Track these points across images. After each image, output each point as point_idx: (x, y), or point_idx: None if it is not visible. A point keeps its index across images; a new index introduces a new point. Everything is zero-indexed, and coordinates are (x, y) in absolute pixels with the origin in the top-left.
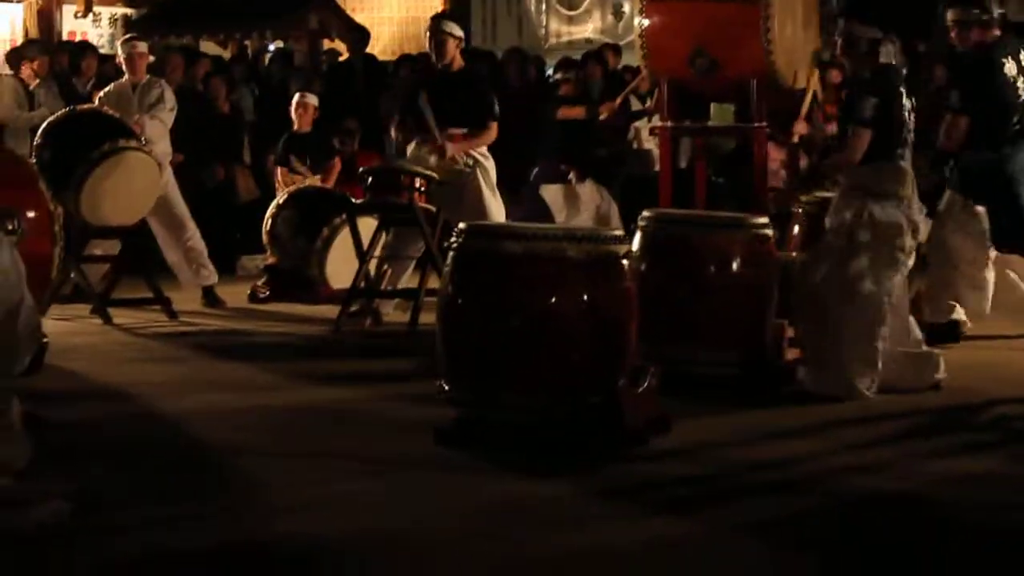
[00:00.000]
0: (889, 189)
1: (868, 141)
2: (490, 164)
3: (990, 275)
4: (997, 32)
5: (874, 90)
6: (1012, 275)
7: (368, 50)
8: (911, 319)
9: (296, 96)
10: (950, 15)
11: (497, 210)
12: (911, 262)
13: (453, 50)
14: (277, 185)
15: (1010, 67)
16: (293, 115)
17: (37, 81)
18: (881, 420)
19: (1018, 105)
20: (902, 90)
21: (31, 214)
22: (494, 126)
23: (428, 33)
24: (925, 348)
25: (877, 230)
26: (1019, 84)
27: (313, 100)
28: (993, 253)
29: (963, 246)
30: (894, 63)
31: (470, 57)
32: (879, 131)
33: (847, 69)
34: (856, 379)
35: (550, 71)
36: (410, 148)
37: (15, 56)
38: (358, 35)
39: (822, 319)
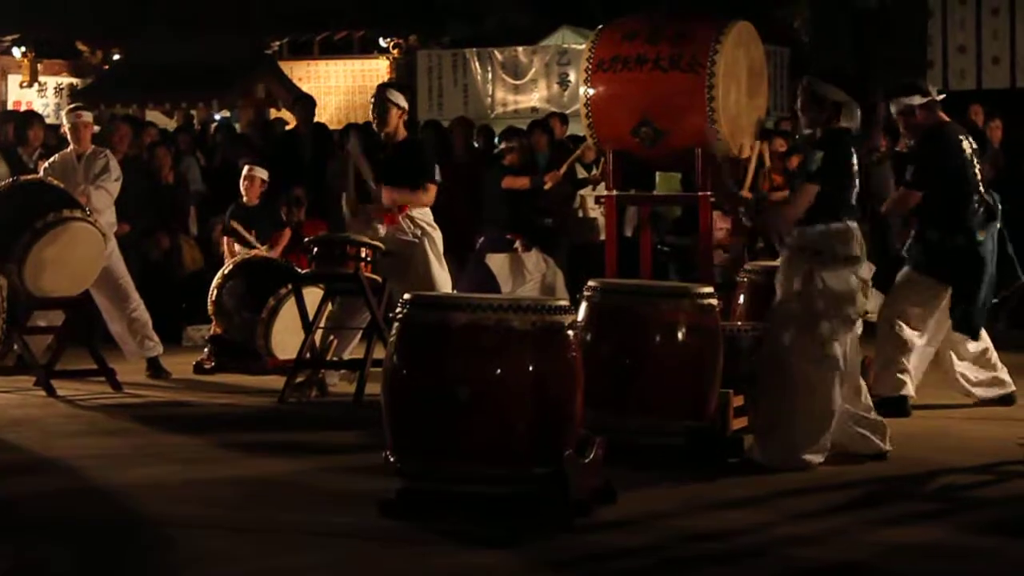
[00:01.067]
0: (839, 251)
1: (813, 195)
2: (437, 234)
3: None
4: (942, 115)
5: (824, 147)
6: (951, 355)
7: (315, 119)
8: (862, 384)
9: (244, 168)
10: (893, 107)
11: (444, 280)
12: (860, 326)
13: (396, 120)
14: (224, 255)
15: (967, 146)
16: (241, 187)
17: None
18: (826, 490)
19: (977, 185)
20: (853, 152)
21: None
22: (432, 188)
23: (372, 101)
24: (874, 415)
25: (827, 294)
26: (975, 162)
27: (261, 173)
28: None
29: (918, 320)
30: (851, 127)
31: (414, 128)
32: (827, 190)
33: (801, 123)
34: (805, 451)
35: (496, 140)
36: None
37: None
38: (305, 103)
39: (781, 387)
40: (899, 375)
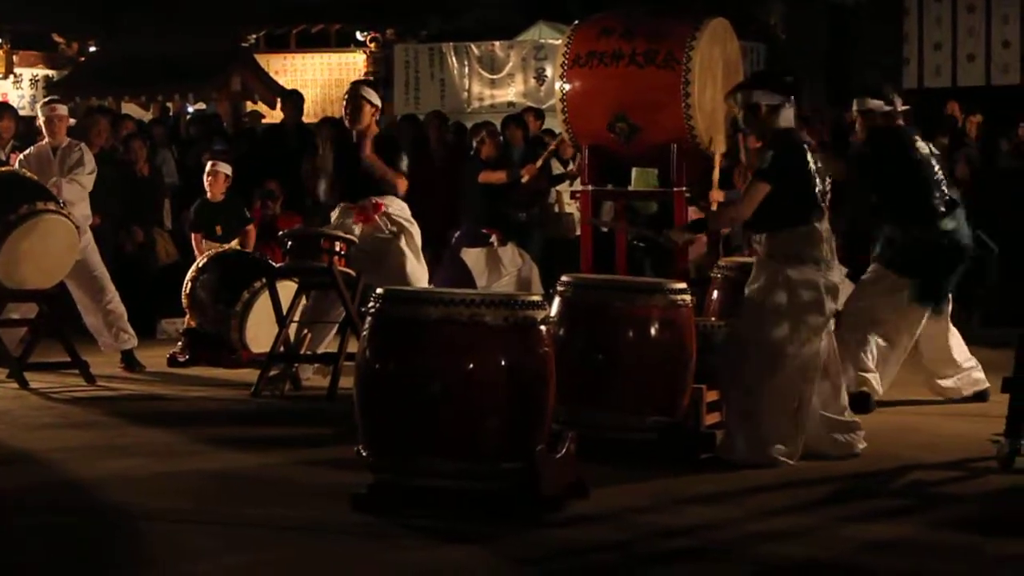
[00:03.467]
0: (805, 253)
1: (762, 194)
2: (415, 230)
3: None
4: (901, 123)
5: (773, 147)
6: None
7: None
8: (842, 384)
9: (208, 165)
10: (855, 104)
11: (420, 275)
12: (831, 325)
13: (368, 117)
14: (195, 250)
15: (922, 145)
16: (205, 183)
17: None
18: (797, 486)
19: (938, 181)
20: (805, 149)
21: None
22: (401, 180)
23: (345, 98)
24: (848, 416)
25: (795, 294)
26: (934, 162)
27: (225, 168)
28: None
29: (888, 317)
30: (793, 128)
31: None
32: (788, 195)
33: (755, 137)
34: (775, 448)
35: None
36: (334, 213)
37: None
38: (294, 100)
39: (746, 385)
40: (861, 372)
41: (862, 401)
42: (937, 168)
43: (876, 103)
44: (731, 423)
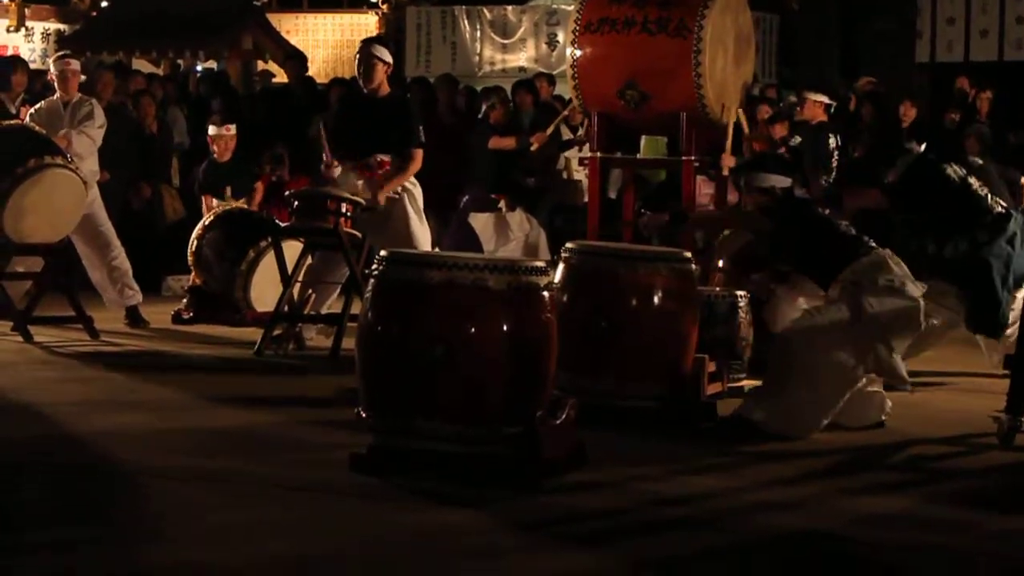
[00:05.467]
0: (879, 280)
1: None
2: (417, 191)
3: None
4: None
5: (781, 221)
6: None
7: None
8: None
9: (212, 128)
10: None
11: (423, 237)
12: None
13: (381, 75)
14: (204, 211)
15: (954, 171)
16: (212, 145)
17: None
18: (797, 458)
19: (976, 198)
20: (808, 213)
21: None
22: (418, 154)
23: (357, 57)
24: (874, 387)
25: (880, 319)
26: (971, 181)
27: (228, 131)
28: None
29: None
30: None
31: (401, 84)
32: (824, 250)
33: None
34: (802, 422)
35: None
36: (337, 172)
37: None
38: (297, 61)
39: (802, 371)
40: None
41: None
42: (975, 188)
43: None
44: (766, 389)
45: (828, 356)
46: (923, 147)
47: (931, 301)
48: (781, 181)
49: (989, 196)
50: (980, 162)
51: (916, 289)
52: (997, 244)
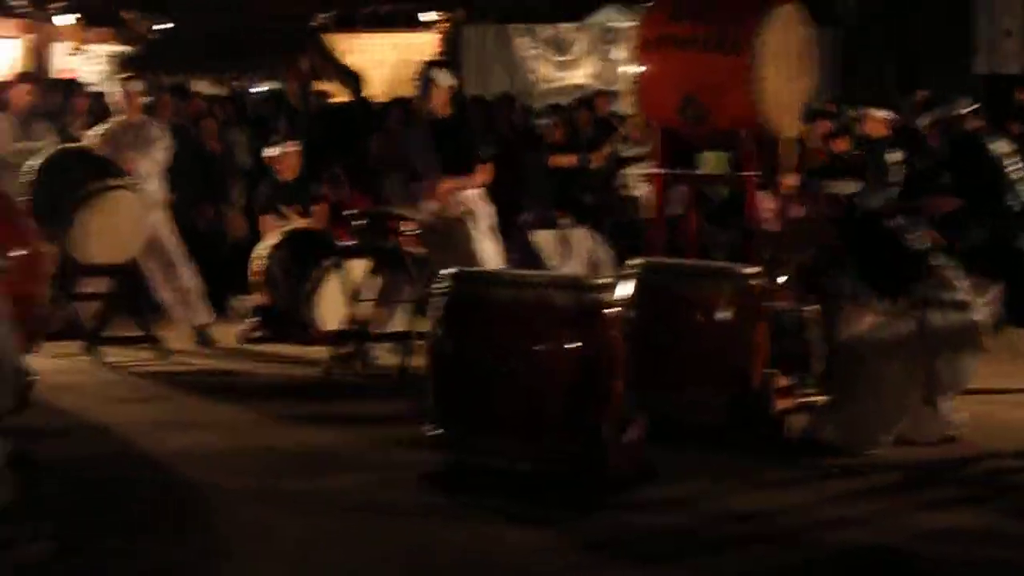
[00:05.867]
0: (940, 295)
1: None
2: (486, 210)
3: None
4: (976, 124)
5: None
6: None
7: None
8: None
9: (273, 148)
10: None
11: (493, 254)
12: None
13: (442, 97)
14: (262, 231)
15: (996, 146)
16: (274, 164)
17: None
18: (866, 473)
19: (1012, 183)
20: (881, 220)
21: (18, 251)
22: (483, 168)
23: (417, 79)
24: (945, 401)
25: (944, 335)
26: (1007, 163)
27: (293, 148)
28: None
29: None
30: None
31: (460, 104)
32: (894, 267)
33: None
34: (870, 437)
35: (534, 118)
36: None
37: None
38: (352, 80)
39: (868, 385)
40: None
41: None
42: (1010, 169)
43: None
44: (833, 405)
45: (892, 369)
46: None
47: None
48: (847, 187)
49: (1019, 183)
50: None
51: (974, 312)
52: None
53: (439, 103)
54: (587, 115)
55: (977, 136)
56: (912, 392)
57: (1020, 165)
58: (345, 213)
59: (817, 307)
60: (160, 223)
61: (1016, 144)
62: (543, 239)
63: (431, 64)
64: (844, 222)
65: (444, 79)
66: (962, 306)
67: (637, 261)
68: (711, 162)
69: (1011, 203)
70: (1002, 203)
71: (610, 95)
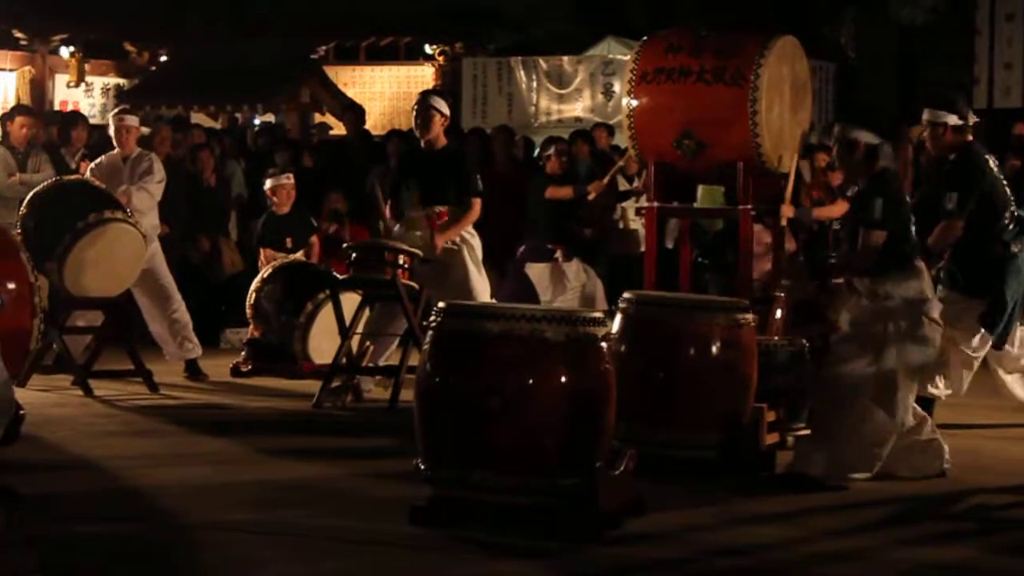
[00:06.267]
0: (912, 291)
1: (882, 241)
2: (476, 242)
3: (979, 357)
4: (970, 137)
5: (879, 192)
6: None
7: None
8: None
9: (270, 180)
10: (926, 115)
11: (482, 288)
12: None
13: (439, 127)
14: (260, 264)
15: (993, 165)
16: (272, 197)
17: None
18: (855, 508)
19: (1008, 202)
20: (903, 193)
21: (11, 285)
22: (477, 203)
23: (415, 108)
24: (934, 436)
25: (887, 319)
26: (1003, 181)
27: (288, 181)
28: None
29: (955, 334)
30: (891, 166)
31: (456, 135)
32: (892, 235)
33: (845, 174)
34: (853, 471)
35: (536, 150)
36: (396, 226)
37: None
38: (354, 113)
39: (840, 410)
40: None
41: (926, 405)
42: (1006, 185)
43: (947, 117)
44: (814, 438)
45: (864, 400)
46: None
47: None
48: (869, 137)
49: (1011, 202)
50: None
51: (937, 309)
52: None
53: (437, 134)
54: (585, 148)
55: (976, 149)
56: (891, 423)
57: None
58: (345, 247)
59: (807, 342)
60: (155, 257)
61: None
62: (537, 272)
63: (428, 93)
64: (866, 169)
65: (444, 109)
66: (923, 302)
67: (629, 295)
68: (706, 195)
69: (1007, 221)
70: (999, 220)
71: (610, 128)
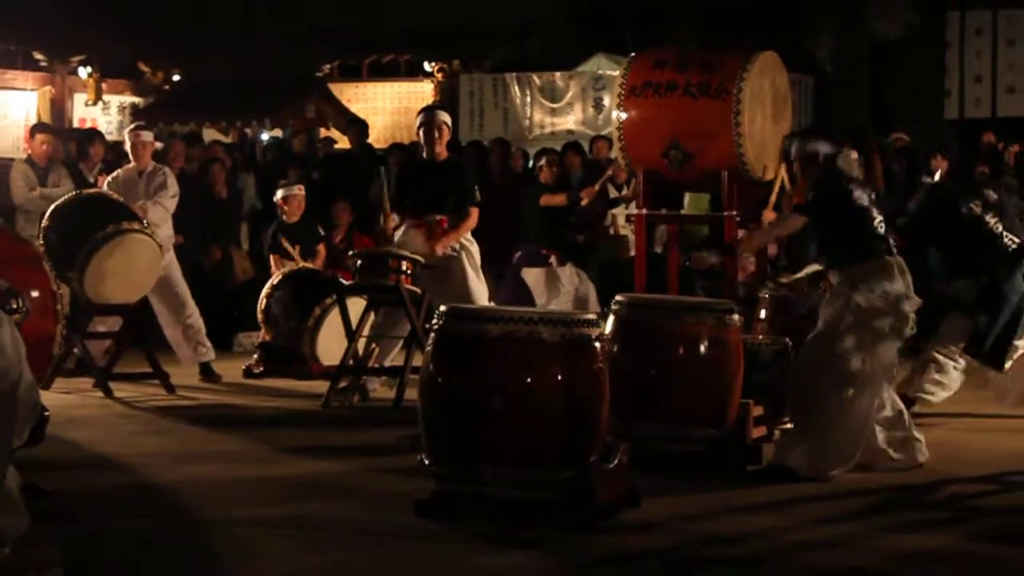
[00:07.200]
0: (876, 284)
1: (797, 225)
2: (475, 248)
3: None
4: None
5: (816, 187)
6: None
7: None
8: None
9: (281, 191)
10: (794, 149)
11: (481, 292)
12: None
13: (445, 139)
14: (271, 270)
15: (966, 207)
16: (283, 206)
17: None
18: (838, 498)
19: (992, 236)
20: (849, 189)
21: (35, 293)
22: (475, 212)
23: (423, 122)
24: (913, 432)
25: (859, 314)
26: (988, 218)
27: (300, 191)
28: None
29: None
30: (852, 172)
31: (455, 147)
32: (845, 231)
33: (809, 185)
34: (833, 465)
35: (531, 162)
36: (399, 233)
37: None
38: (358, 128)
39: (816, 405)
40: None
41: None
42: (991, 224)
43: (818, 146)
44: (795, 432)
45: (839, 394)
46: (936, 177)
47: (947, 345)
48: (825, 147)
49: (1005, 233)
50: (995, 196)
51: (911, 305)
52: (1015, 279)
53: (442, 147)
54: (577, 159)
55: (949, 200)
56: (860, 411)
57: (996, 219)
58: (350, 255)
59: (789, 340)
60: (170, 265)
61: (988, 199)
62: (533, 276)
63: (434, 108)
64: (820, 179)
65: (450, 123)
66: (891, 302)
67: (621, 297)
68: (692, 203)
69: (997, 254)
70: (988, 254)
71: (610, 141)
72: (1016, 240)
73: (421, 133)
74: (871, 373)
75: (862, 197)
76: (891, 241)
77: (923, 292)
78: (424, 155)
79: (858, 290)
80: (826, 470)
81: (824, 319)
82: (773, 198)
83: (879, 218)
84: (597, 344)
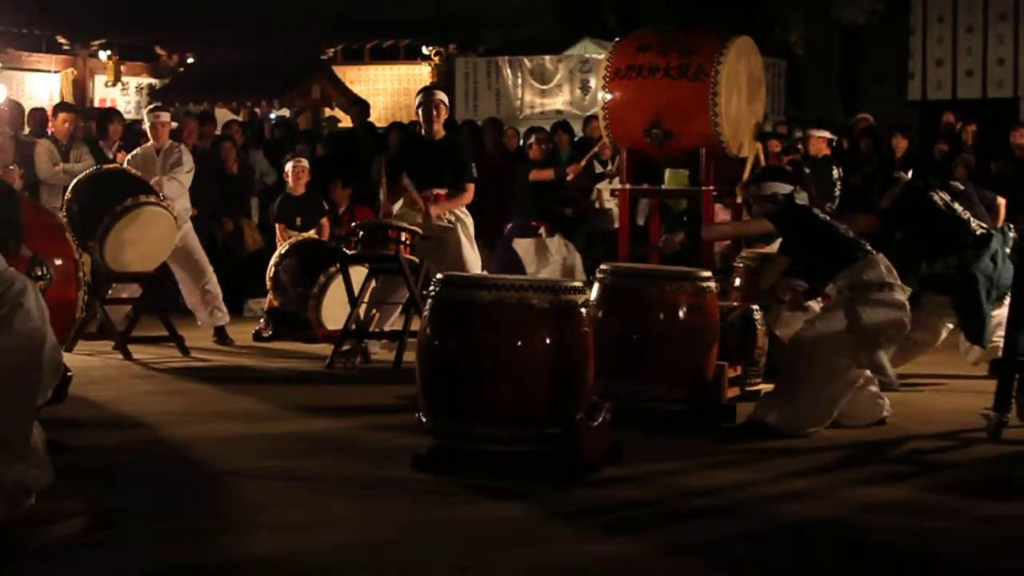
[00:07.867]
0: (869, 280)
1: (785, 264)
2: (469, 220)
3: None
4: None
5: (777, 221)
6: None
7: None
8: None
9: (291, 163)
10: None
11: (475, 261)
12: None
13: (443, 118)
14: (278, 239)
15: (938, 198)
16: (290, 178)
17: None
18: (807, 453)
19: (961, 221)
20: (806, 210)
21: (59, 262)
22: (471, 188)
23: (421, 101)
24: (874, 389)
25: (874, 323)
26: (955, 206)
27: (305, 164)
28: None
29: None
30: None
31: (451, 126)
32: (822, 249)
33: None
34: (807, 424)
35: (521, 140)
36: (397, 206)
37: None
38: (360, 108)
39: (807, 372)
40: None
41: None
42: (959, 212)
43: (778, 187)
44: (777, 393)
45: (830, 362)
46: (911, 174)
47: (923, 315)
48: (782, 188)
49: (972, 219)
50: (962, 188)
51: (902, 294)
52: (983, 260)
53: (440, 125)
54: (565, 137)
55: (921, 194)
56: (847, 381)
57: (962, 208)
58: (352, 226)
59: (757, 307)
60: (188, 235)
61: (955, 189)
62: (523, 247)
63: (432, 88)
64: (779, 214)
65: (447, 102)
66: (887, 294)
67: (606, 266)
68: (672, 178)
69: (967, 239)
70: (960, 237)
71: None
72: (983, 226)
73: (420, 112)
74: (869, 340)
75: (822, 215)
76: (864, 243)
77: (907, 279)
78: (423, 133)
79: (855, 287)
80: (802, 427)
81: (826, 308)
82: (747, 174)
83: (844, 226)
84: (583, 310)
